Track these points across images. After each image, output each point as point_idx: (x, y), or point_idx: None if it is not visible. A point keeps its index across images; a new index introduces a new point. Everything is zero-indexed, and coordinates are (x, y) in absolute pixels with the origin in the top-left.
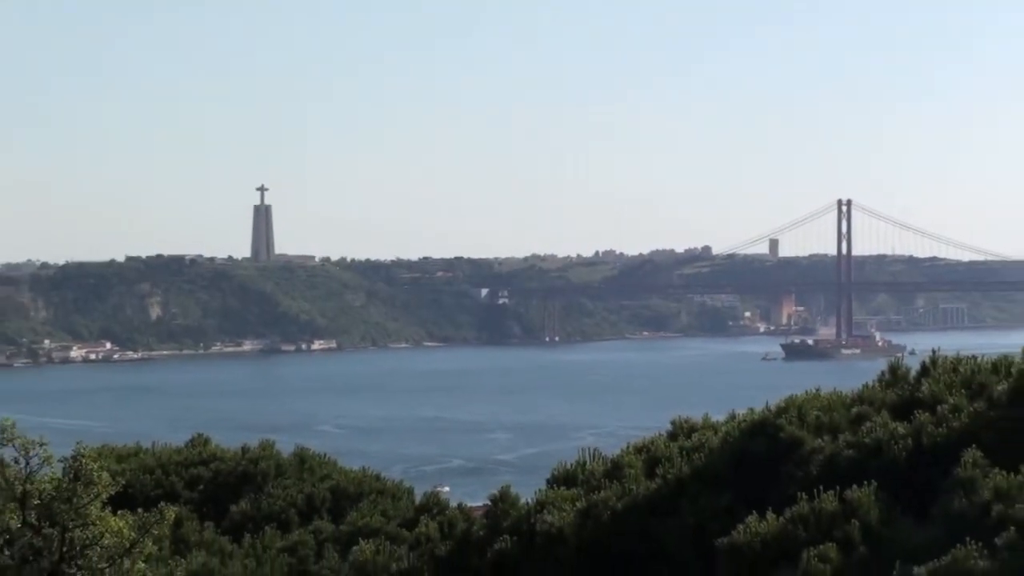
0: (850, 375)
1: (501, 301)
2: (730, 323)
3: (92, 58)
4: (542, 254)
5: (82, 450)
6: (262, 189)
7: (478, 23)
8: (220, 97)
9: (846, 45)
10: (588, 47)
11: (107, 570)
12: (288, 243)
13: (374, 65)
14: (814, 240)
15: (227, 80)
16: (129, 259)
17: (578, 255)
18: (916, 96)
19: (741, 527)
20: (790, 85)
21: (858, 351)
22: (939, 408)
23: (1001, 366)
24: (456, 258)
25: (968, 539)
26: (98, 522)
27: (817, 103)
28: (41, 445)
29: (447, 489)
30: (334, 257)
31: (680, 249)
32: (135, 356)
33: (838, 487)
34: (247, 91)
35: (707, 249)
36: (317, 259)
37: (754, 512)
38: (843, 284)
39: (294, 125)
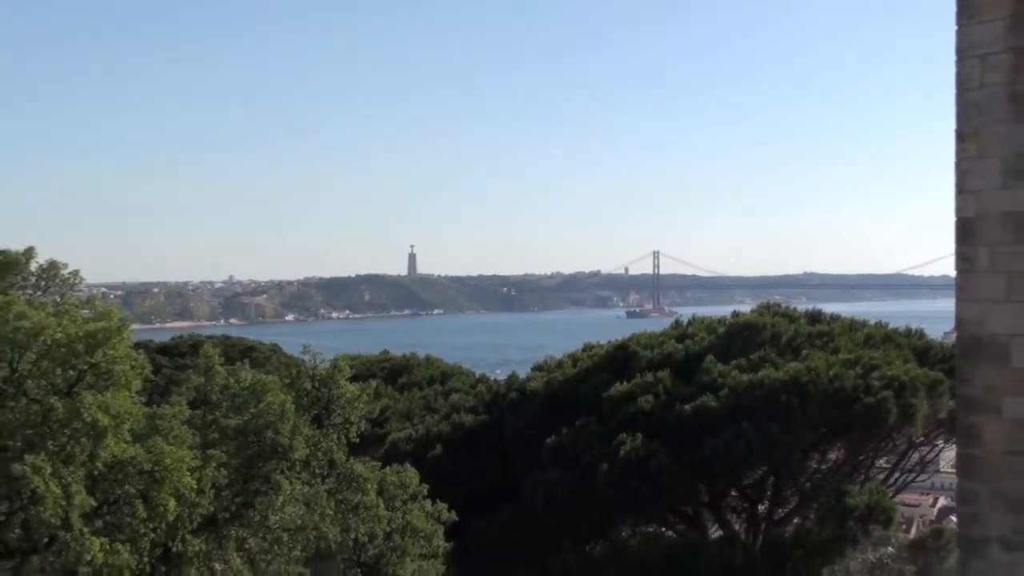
0: (657, 326)
1: (512, 294)
2: (608, 304)
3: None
4: (530, 272)
5: (337, 356)
6: (412, 246)
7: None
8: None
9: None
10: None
11: (347, 406)
12: (423, 267)
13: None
14: (643, 267)
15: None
16: (357, 275)
17: (543, 273)
18: (687, 181)
19: (613, 389)
20: (634, 185)
21: (659, 315)
22: (696, 338)
23: (723, 320)
24: (493, 275)
25: (707, 393)
26: (343, 387)
27: (649, 195)
28: (319, 354)
29: (499, 372)
30: (443, 274)
31: (587, 271)
32: (358, 317)
33: (654, 371)
34: (407, 182)
35: (599, 271)
36: (435, 275)
37: (619, 382)
38: (655, 287)
39: (431, 205)
